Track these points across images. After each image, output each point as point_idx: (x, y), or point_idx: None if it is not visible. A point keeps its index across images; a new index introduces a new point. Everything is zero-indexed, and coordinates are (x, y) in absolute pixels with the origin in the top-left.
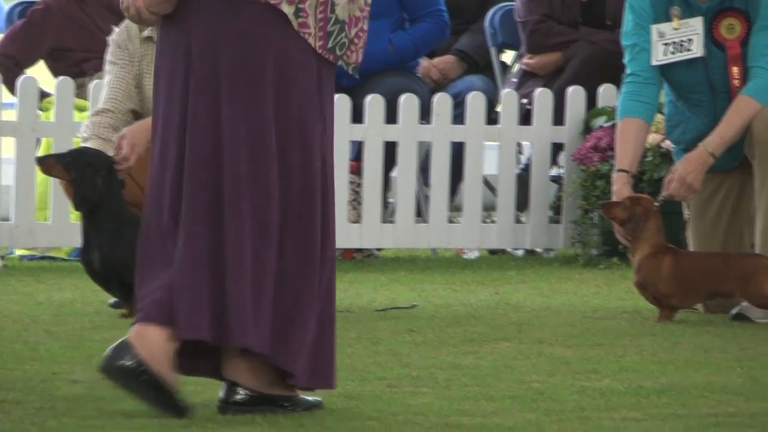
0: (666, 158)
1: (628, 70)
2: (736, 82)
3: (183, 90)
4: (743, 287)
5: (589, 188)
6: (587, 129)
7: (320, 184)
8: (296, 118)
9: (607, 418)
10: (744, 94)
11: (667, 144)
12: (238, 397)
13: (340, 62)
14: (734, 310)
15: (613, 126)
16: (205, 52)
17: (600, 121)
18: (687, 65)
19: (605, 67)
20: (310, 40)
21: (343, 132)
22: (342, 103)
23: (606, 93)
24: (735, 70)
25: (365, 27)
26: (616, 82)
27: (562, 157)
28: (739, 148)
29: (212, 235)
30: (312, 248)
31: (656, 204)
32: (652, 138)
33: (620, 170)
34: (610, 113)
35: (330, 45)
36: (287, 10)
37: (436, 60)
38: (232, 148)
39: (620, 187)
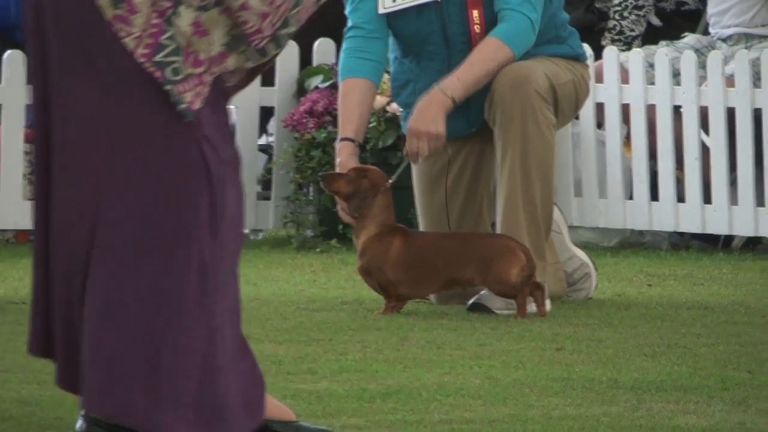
0: (392, 124)
1: (349, 23)
2: (476, 28)
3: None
4: (483, 273)
5: (304, 159)
6: (301, 90)
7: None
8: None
9: (323, 425)
10: (493, 36)
11: (394, 107)
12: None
13: (169, 87)
14: (471, 300)
15: (332, 87)
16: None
17: (316, 81)
18: (418, 12)
19: (321, 17)
20: (127, 41)
21: (19, 94)
22: (14, 60)
23: (322, 48)
24: (475, 13)
25: (209, 80)
26: (335, 35)
27: (272, 124)
28: (477, 112)
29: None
30: None
31: (390, 181)
32: (377, 101)
33: (344, 139)
34: (327, 72)
35: (157, 58)
36: None
37: None
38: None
39: (345, 158)
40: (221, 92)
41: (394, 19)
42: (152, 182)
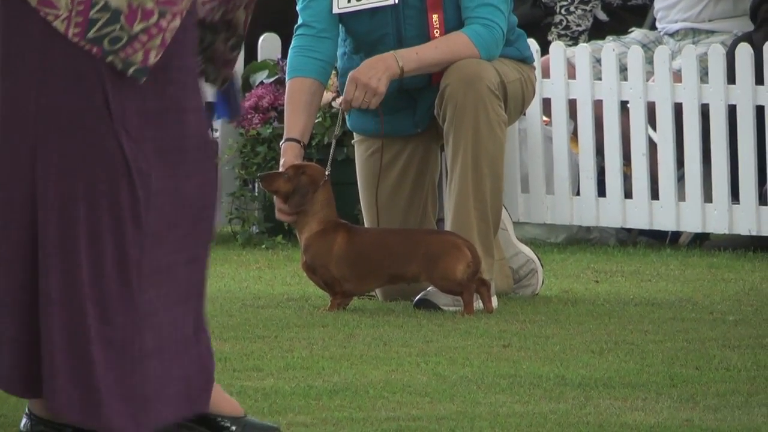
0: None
1: (300, 20)
2: (436, 32)
3: None
4: (429, 269)
5: (249, 155)
6: (246, 86)
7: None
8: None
9: (271, 422)
10: (464, 33)
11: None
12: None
13: (111, 58)
14: (418, 296)
15: (277, 82)
16: None
17: (261, 76)
18: (372, 13)
19: (266, 12)
20: (57, 24)
21: None
22: None
23: (267, 43)
24: (435, 17)
25: (173, 24)
26: (281, 30)
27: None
28: (424, 113)
29: None
30: None
31: (327, 172)
32: (328, 96)
33: (289, 139)
34: (272, 67)
35: (91, 35)
36: None
37: None
38: None
39: (289, 159)
40: (182, 73)
41: (347, 18)
42: (71, 177)
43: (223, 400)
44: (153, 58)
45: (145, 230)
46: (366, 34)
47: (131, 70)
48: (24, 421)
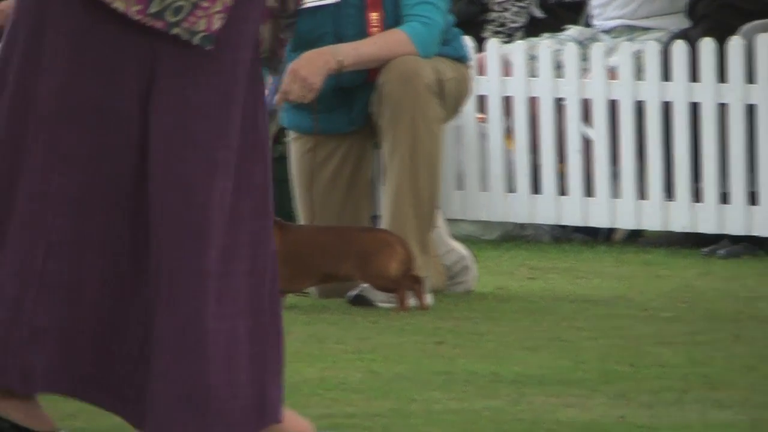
0: (271, 117)
1: None
2: (374, 30)
3: None
4: (363, 267)
5: None
6: None
7: (131, 191)
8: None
9: None
10: (402, 30)
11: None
12: None
13: (176, 31)
14: (353, 293)
15: None
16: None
17: None
18: (313, 12)
19: None
20: (117, 5)
21: None
22: None
23: None
24: (374, 16)
25: None
26: None
27: None
28: (359, 111)
29: None
30: None
31: None
32: None
33: None
34: None
35: (153, 9)
36: None
37: None
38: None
39: None
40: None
41: None
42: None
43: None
44: (217, 24)
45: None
46: (306, 33)
47: (197, 38)
48: None
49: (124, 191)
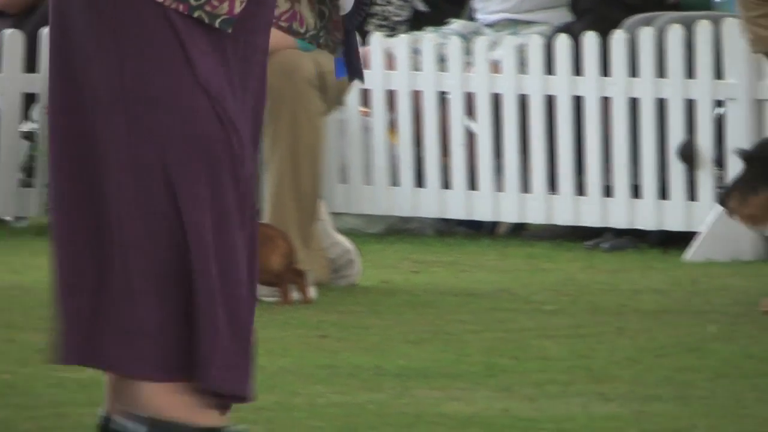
0: None
1: None
2: None
3: None
4: None
5: None
6: None
7: (162, 179)
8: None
9: (88, 414)
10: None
11: None
12: None
13: (198, 14)
14: None
15: None
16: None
17: None
18: None
19: None
20: None
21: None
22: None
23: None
24: None
25: None
26: None
27: (36, 110)
28: None
29: None
30: None
31: None
32: None
33: None
34: None
35: None
36: None
37: None
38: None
39: None
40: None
41: None
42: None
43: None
44: (238, 8)
45: None
46: None
47: (218, 22)
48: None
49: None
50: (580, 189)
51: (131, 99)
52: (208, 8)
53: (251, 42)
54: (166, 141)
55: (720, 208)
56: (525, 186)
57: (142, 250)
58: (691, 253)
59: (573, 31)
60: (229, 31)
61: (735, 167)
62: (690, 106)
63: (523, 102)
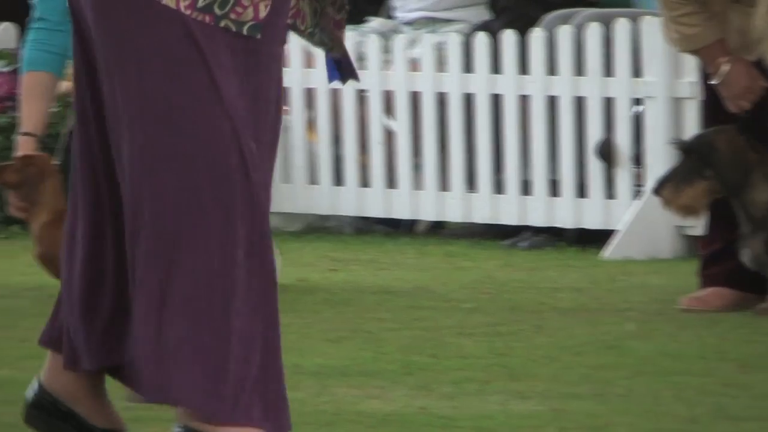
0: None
1: (36, 13)
2: None
3: None
4: None
5: None
6: None
7: (171, 202)
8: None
9: (7, 414)
10: None
11: None
12: None
13: (224, 23)
14: None
15: (14, 72)
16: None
17: None
18: None
19: (5, 1)
20: (167, 1)
21: None
22: None
23: (5, 33)
24: None
25: None
26: (19, 20)
27: None
28: None
29: None
30: None
31: (56, 162)
32: (62, 86)
33: (25, 133)
34: (9, 57)
35: (201, 3)
36: None
37: None
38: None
39: (24, 153)
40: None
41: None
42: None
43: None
44: (263, 12)
45: None
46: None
47: (246, 28)
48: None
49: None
50: (499, 187)
51: (150, 119)
52: (233, 16)
53: (272, 52)
54: (183, 165)
55: (637, 207)
56: (444, 184)
57: (150, 269)
58: (609, 251)
59: (492, 29)
60: (258, 36)
61: (653, 165)
62: (608, 104)
63: (442, 100)
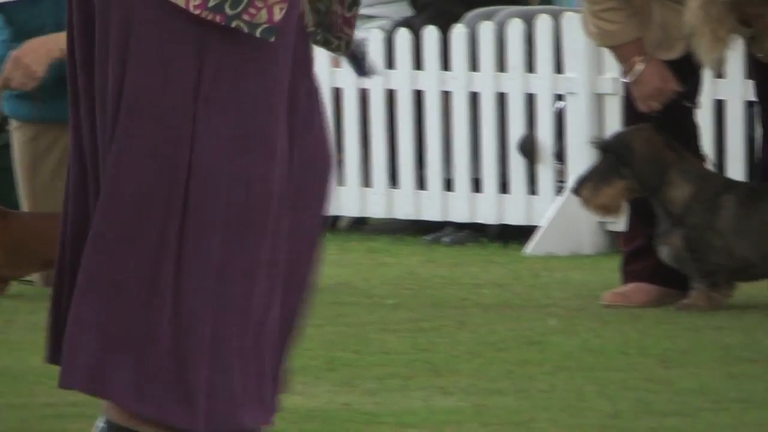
0: None
1: None
2: None
3: None
4: None
5: None
6: None
7: (183, 180)
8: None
9: None
10: None
11: None
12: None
13: (236, 23)
14: None
15: None
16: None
17: None
18: (32, 3)
19: None
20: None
21: None
22: None
23: None
24: None
25: None
26: None
27: None
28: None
29: None
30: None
31: None
32: None
33: None
34: None
35: (212, 3)
36: None
37: None
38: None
39: None
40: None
41: (8, 8)
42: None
43: None
44: (278, 15)
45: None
46: (25, 23)
47: (259, 31)
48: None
49: (175, 187)
50: (421, 183)
51: (136, 114)
52: (246, 17)
53: (287, 44)
54: (151, 162)
55: (559, 203)
56: (366, 180)
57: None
58: (532, 247)
59: (413, 25)
60: (272, 40)
61: (575, 161)
62: (530, 100)
63: (363, 96)
